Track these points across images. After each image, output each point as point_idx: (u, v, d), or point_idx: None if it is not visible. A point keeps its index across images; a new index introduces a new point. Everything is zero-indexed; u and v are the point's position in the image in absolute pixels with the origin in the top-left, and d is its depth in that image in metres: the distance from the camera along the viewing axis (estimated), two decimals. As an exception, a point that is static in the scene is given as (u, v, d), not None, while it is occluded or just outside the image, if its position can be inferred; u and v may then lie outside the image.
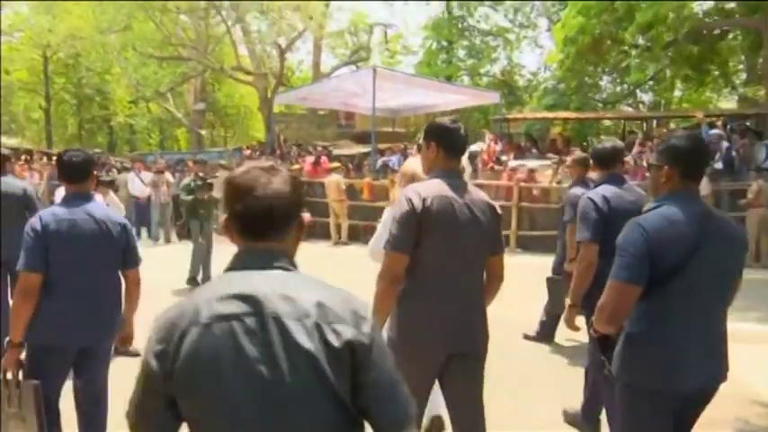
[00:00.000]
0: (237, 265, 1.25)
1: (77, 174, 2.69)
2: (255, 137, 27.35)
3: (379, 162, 13.00)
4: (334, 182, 11.73)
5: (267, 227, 1.24)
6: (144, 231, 12.72)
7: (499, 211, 2.46)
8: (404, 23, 54.11)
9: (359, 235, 12.45)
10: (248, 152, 17.46)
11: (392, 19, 50.27)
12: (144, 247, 11.20)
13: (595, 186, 3.23)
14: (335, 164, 12.70)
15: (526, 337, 5.25)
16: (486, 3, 25.22)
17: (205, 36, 21.00)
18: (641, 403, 2.05)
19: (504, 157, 12.45)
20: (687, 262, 1.93)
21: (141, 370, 1.21)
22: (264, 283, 1.18)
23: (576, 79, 16.52)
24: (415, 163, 2.86)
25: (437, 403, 2.80)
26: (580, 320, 3.17)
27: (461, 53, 25.39)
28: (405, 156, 12.68)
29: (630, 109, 21.94)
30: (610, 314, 2.01)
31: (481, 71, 25.37)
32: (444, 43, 24.67)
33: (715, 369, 2.05)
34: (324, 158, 13.57)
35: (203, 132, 24.75)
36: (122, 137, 33.24)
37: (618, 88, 21.69)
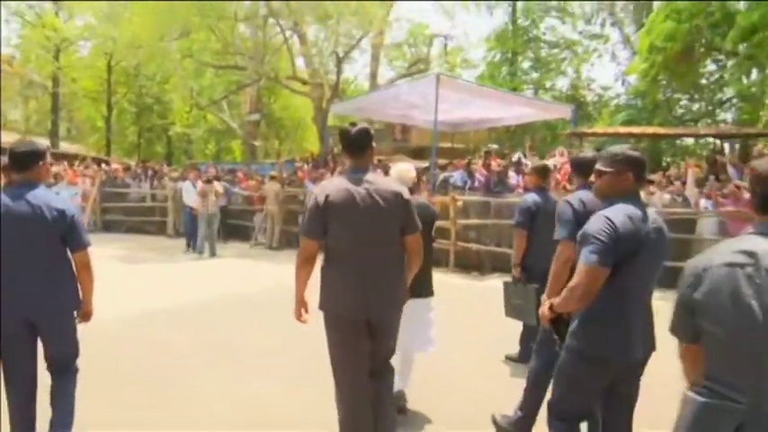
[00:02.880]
0: (756, 231, 1.71)
1: (22, 163, 2.97)
2: (309, 149, 26.87)
3: (440, 178, 11.95)
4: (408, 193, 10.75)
5: None
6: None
7: (407, 196, 2.84)
8: (464, 35, 52.90)
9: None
10: (300, 164, 16.80)
11: (452, 31, 49.09)
12: (185, 261, 10.75)
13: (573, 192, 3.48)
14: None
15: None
16: (554, 14, 23.94)
17: (262, 45, 20.62)
18: (591, 369, 2.44)
19: (578, 177, 11.20)
20: (638, 251, 2.32)
21: None
22: (764, 244, 1.65)
23: (660, 92, 15.02)
24: (399, 168, 3.71)
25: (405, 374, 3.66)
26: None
27: (526, 65, 24.18)
28: (469, 172, 11.59)
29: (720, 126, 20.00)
30: (582, 294, 2.28)
31: (546, 85, 24.06)
32: (508, 55, 23.52)
33: (649, 342, 2.49)
34: (379, 172, 12.64)
35: (257, 143, 24.40)
36: (179, 147, 33.51)
37: (696, 105, 19.90)
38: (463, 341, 5.49)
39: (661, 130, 14.83)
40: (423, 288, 3.53)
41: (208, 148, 34.40)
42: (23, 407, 2.97)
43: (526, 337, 4.73)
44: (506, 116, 15.11)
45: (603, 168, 2.48)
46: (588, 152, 3.66)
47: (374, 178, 2.83)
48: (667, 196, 10.31)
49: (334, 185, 2.81)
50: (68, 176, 16.41)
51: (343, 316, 2.79)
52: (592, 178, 2.85)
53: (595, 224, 2.31)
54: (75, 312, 3.09)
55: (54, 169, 17.06)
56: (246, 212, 14.75)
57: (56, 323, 3.01)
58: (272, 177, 13.79)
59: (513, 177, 11.39)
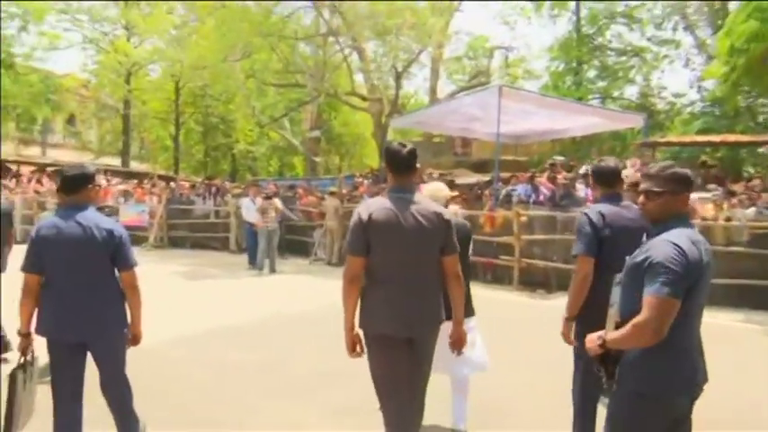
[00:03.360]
0: None
1: (70, 186, 3.06)
2: (368, 164, 26.88)
3: (503, 192, 11.51)
4: (452, 213, 10.40)
5: None
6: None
7: (448, 217, 2.86)
8: (526, 46, 51.72)
9: (477, 273, 11.00)
10: (360, 179, 16.71)
11: (514, 42, 48.10)
12: (246, 277, 10.77)
13: (596, 203, 3.33)
14: (453, 192, 11.33)
15: None
16: (621, 20, 23.01)
17: (322, 63, 20.83)
18: (653, 410, 2.17)
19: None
20: (701, 278, 2.15)
21: None
22: None
23: (741, 98, 13.93)
24: (431, 187, 3.65)
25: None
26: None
27: (591, 74, 23.31)
28: (533, 185, 11.10)
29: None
30: (656, 330, 2.06)
31: (614, 94, 23.10)
32: (573, 64, 22.74)
33: (705, 370, 2.28)
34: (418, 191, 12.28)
35: (318, 159, 24.61)
36: (243, 164, 34.33)
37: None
38: (523, 363, 5.11)
39: (744, 138, 13.72)
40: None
41: (271, 164, 35.06)
42: (67, 426, 3.05)
43: None
44: (572, 126, 14.51)
45: (657, 189, 2.23)
46: (609, 160, 3.43)
47: (417, 198, 2.85)
48: (752, 209, 9.50)
49: (377, 204, 2.82)
50: (137, 194, 17.01)
51: (387, 335, 2.77)
52: (622, 189, 2.99)
53: (662, 251, 2.09)
54: (124, 331, 3.12)
55: (122, 187, 17.72)
56: (307, 228, 14.75)
57: (105, 342, 3.06)
58: (332, 193, 13.74)
59: (581, 190, 10.79)
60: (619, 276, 2.29)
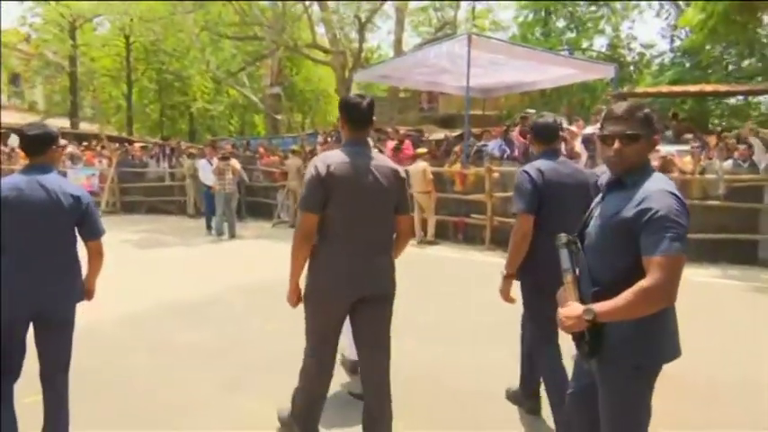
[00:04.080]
0: None
1: (34, 147, 2.82)
2: (332, 122, 26.08)
3: (474, 148, 10.99)
4: (420, 170, 9.86)
5: None
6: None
7: (403, 175, 2.80)
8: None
9: (448, 233, 10.59)
10: (322, 137, 16.00)
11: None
12: (203, 243, 10.12)
13: (532, 160, 3.20)
14: (421, 150, 10.77)
15: None
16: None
17: (281, 14, 19.67)
18: (649, 382, 2.03)
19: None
20: None
21: None
22: None
23: (715, 47, 13.47)
24: None
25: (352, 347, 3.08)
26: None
27: (561, 25, 22.64)
28: (507, 140, 10.60)
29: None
30: (671, 292, 1.84)
31: (584, 45, 22.54)
32: (542, 14, 22.02)
33: None
34: (406, 143, 11.69)
35: (280, 117, 23.64)
36: (202, 123, 32.93)
37: (746, 62, 18.17)
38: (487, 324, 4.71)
39: (722, 88, 13.30)
40: None
41: (231, 123, 33.76)
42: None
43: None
44: (542, 79, 13.97)
45: (633, 132, 1.97)
46: (548, 116, 3.33)
47: (373, 154, 2.76)
48: (729, 162, 9.22)
49: (335, 158, 2.66)
50: (86, 157, 15.96)
51: (334, 295, 2.70)
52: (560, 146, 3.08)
53: (665, 203, 1.86)
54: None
55: (69, 150, 16.59)
56: (269, 189, 14.08)
57: (64, 316, 2.85)
58: (294, 152, 13.04)
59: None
60: (565, 237, 2.04)
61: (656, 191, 1.89)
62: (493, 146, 10.59)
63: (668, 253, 1.80)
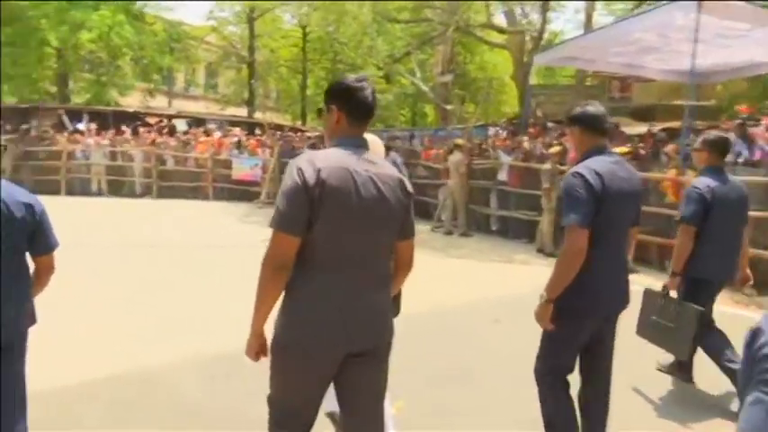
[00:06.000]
0: None
1: None
2: (506, 113, 24.00)
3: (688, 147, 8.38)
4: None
5: None
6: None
7: (410, 188, 2.15)
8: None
9: (650, 257, 8.19)
10: (494, 130, 14.14)
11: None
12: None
13: (582, 160, 2.67)
14: (622, 148, 8.38)
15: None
16: None
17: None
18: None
19: None
20: None
21: None
22: None
23: None
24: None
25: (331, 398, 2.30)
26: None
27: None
28: (745, 138, 7.87)
29: None
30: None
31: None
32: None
33: None
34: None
35: (450, 107, 22.18)
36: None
37: None
38: None
39: None
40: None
41: (402, 114, 33.23)
42: None
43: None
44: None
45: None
46: (595, 105, 2.76)
47: (373, 156, 2.09)
48: None
49: (327, 159, 1.97)
50: (251, 146, 15.90)
51: (318, 349, 1.98)
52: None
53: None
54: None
55: (235, 138, 16.66)
56: (429, 187, 12.67)
57: (18, 347, 2.51)
58: (457, 146, 11.39)
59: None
60: None
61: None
62: (724, 145, 7.92)
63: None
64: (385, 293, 2.14)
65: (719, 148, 3.68)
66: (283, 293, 2.02)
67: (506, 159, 10.64)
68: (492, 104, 29.39)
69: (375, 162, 2.07)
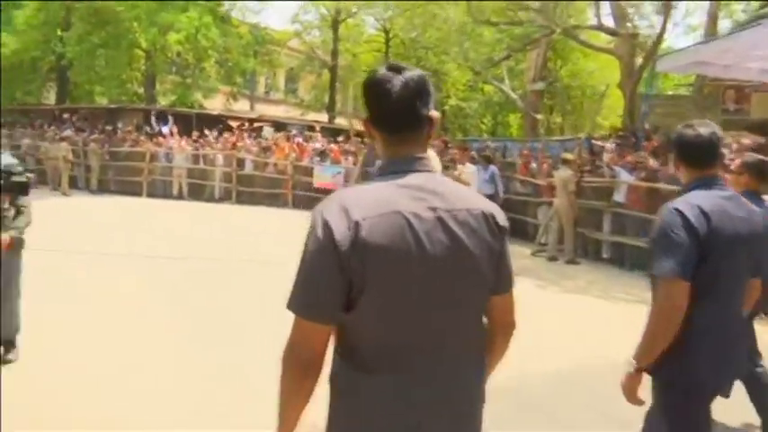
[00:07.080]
0: None
1: None
2: (604, 125, 22.32)
3: None
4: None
5: None
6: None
7: (503, 222, 1.45)
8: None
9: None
10: (601, 143, 12.77)
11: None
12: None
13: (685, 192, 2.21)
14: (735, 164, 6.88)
15: None
16: None
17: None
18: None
19: None
20: None
21: None
22: None
23: None
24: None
25: None
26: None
27: None
28: None
29: None
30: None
31: None
32: None
33: None
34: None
35: (539, 117, 20.83)
36: (454, 122, 31.77)
37: None
38: None
39: None
40: None
41: (483, 123, 32.01)
42: None
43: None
44: None
45: None
46: (701, 126, 2.18)
47: (438, 184, 1.39)
48: None
49: (368, 200, 1.32)
50: (333, 154, 15.24)
51: None
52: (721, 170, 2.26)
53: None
54: None
55: (318, 146, 16.04)
56: (529, 205, 11.48)
57: None
58: (566, 161, 10.13)
59: None
60: None
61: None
62: None
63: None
64: (470, 383, 1.46)
65: (761, 171, 3.44)
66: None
67: (627, 178, 9.29)
68: (587, 114, 27.66)
69: (442, 192, 1.38)
